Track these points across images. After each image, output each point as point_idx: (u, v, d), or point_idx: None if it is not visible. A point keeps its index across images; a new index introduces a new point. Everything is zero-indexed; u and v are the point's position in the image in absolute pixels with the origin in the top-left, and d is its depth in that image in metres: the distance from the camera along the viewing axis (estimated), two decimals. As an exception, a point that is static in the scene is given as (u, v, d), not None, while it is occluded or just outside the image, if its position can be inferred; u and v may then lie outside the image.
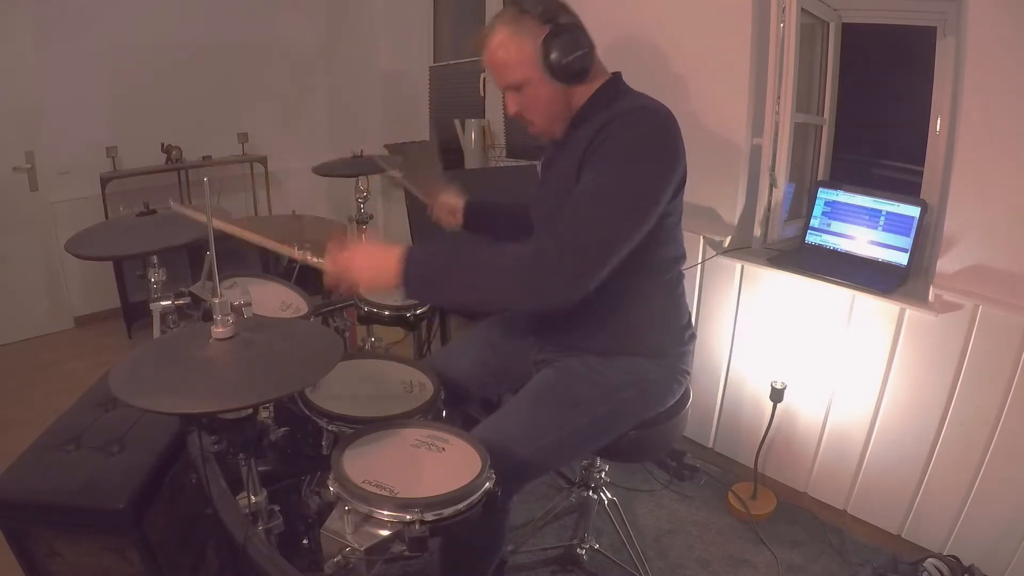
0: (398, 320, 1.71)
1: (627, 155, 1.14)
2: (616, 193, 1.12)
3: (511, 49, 1.21)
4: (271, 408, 1.23)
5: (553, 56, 1.19)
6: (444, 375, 1.37)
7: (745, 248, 2.20)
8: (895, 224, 1.95)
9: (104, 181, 3.35)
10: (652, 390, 1.34)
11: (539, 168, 1.46)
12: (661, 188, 1.16)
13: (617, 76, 1.31)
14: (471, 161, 3.19)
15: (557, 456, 1.31)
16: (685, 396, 1.45)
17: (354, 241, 1.19)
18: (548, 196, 1.36)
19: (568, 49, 1.20)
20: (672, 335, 1.37)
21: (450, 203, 1.61)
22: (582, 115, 1.28)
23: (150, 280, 1.35)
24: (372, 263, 1.15)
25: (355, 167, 2.11)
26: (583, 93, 1.27)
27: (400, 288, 1.13)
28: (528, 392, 1.32)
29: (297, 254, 1.19)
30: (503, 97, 1.30)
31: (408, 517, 0.90)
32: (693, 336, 1.42)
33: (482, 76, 3.31)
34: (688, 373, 1.41)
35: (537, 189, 1.44)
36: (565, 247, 1.08)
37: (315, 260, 1.18)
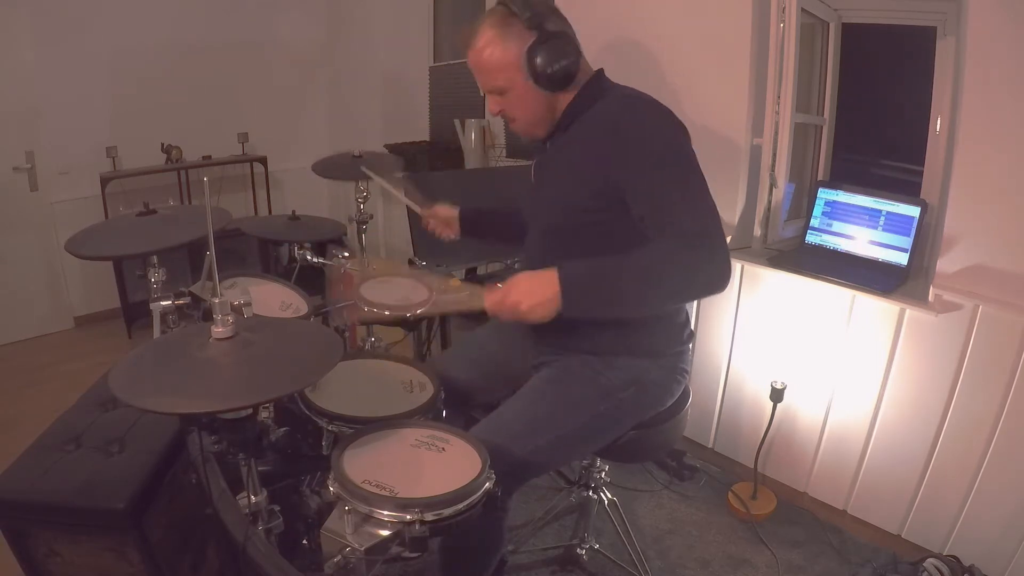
0: (398, 320, 1.70)
1: (667, 139, 1.17)
2: (689, 174, 1.16)
3: (496, 53, 1.21)
4: (271, 408, 1.23)
5: (538, 64, 1.19)
6: (444, 381, 1.36)
7: (745, 248, 2.20)
8: (895, 224, 1.95)
9: (104, 181, 3.35)
10: (651, 390, 1.34)
11: (532, 170, 1.46)
12: (694, 155, 1.20)
13: (599, 73, 1.30)
14: (471, 161, 3.18)
15: (555, 455, 1.30)
16: (684, 396, 1.45)
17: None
18: (546, 197, 1.35)
19: (553, 58, 1.19)
20: (670, 335, 1.37)
21: (445, 215, 1.61)
22: (569, 116, 1.28)
23: (150, 280, 1.35)
24: (531, 287, 1.11)
25: (354, 170, 2.10)
26: (568, 97, 1.27)
27: (563, 307, 1.09)
28: (527, 391, 1.31)
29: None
30: (485, 97, 1.30)
31: (408, 517, 0.90)
32: (691, 335, 1.42)
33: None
34: (687, 372, 1.41)
35: (531, 191, 1.43)
36: (702, 233, 1.10)
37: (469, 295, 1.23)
